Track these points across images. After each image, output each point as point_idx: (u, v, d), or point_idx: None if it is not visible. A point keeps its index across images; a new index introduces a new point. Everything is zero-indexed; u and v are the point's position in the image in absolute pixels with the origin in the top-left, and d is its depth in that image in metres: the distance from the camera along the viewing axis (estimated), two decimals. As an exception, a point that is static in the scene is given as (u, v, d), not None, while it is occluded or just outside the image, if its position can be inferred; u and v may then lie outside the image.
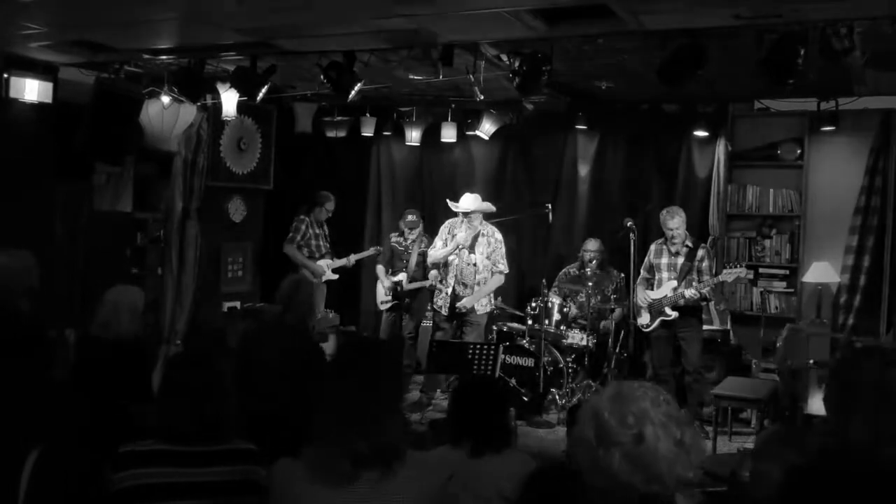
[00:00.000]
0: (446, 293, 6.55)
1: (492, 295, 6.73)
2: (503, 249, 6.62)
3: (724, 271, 6.11)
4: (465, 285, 6.55)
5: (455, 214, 6.69)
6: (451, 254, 6.53)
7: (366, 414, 1.94)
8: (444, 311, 6.57)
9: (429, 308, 7.14)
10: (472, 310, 6.53)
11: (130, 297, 4.06)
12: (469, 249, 6.55)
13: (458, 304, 6.48)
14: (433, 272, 6.75)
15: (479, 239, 6.55)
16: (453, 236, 6.59)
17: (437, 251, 6.65)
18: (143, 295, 4.14)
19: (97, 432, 3.08)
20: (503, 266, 6.61)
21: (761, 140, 7.13)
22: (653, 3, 3.88)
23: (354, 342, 2.22)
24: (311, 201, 7.68)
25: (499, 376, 5.95)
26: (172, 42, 5.24)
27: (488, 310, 6.72)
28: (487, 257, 6.55)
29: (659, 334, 6.37)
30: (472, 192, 7.21)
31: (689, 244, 6.28)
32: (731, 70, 5.40)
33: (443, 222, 6.87)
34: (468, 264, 6.54)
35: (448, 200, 6.84)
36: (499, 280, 6.63)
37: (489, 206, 6.63)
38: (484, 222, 6.61)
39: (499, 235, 6.62)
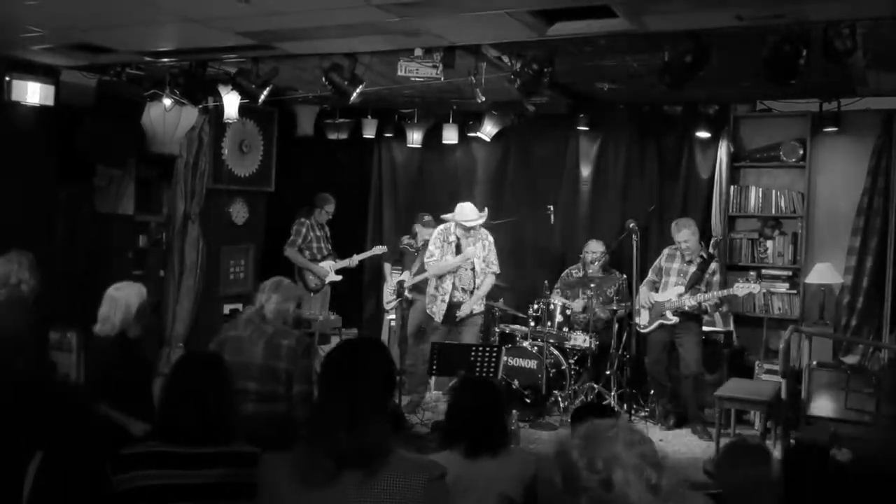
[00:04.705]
0: (442, 300, 6.53)
1: (483, 298, 6.71)
2: (495, 251, 6.66)
3: (737, 285, 6.06)
4: (464, 290, 6.56)
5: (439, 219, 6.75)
6: (458, 266, 6.48)
7: (349, 414, 1.94)
8: (438, 318, 6.53)
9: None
10: (470, 313, 6.55)
11: (126, 293, 4.05)
12: None
13: (458, 314, 6.48)
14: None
15: (476, 244, 6.56)
16: (449, 243, 6.56)
17: (441, 263, 6.53)
18: (142, 291, 4.11)
19: (98, 432, 3.08)
20: (496, 267, 6.64)
21: (763, 141, 7.12)
22: (655, 4, 3.87)
23: (342, 344, 2.20)
24: (311, 203, 7.69)
25: (501, 378, 5.96)
26: (174, 44, 5.24)
27: (482, 309, 6.72)
28: (483, 260, 6.58)
29: (655, 337, 6.36)
30: (471, 194, 7.16)
31: (704, 255, 6.26)
32: (734, 71, 5.39)
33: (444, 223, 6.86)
34: (467, 270, 6.55)
35: (444, 216, 6.74)
36: (491, 281, 6.66)
37: (486, 214, 6.62)
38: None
39: (491, 237, 6.65)
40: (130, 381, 3.85)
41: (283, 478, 1.99)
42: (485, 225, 6.59)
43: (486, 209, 6.66)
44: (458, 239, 6.52)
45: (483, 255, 6.56)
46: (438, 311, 6.54)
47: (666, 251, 6.46)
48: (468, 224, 6.42)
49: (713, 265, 6.23)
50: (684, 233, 6.20)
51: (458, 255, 6.50)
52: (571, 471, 1.53)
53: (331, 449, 1.92)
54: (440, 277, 6.56)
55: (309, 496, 1.94)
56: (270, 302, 3.92)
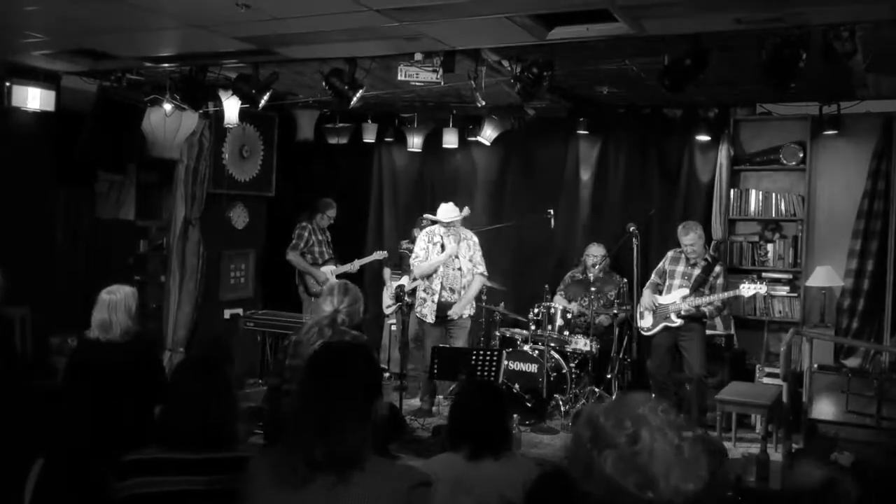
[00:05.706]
0: (432, 301, 6.56)
1: (473, 302, 6.73)
2: (480, 251, 6.69)
3: (743, 286, 6.03)
4: (452, 290, 6.58)
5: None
6: (442, 264, 6.53)
7: (324, 420, 1.95)
8: (430, 319, 6.56)
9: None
10: (461, 316, 6.58)
11: (122, 295, 4.06)
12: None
13: (449, 313, 6.51)
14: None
15: (461, 243, 6.60)
16: (434, 244, 6.60)
17: (425, 263, 6.59)
18: (133, 290, 4.14)
19: (100, 439, 3.07)
20: (482, 268, 6.67)
21: (764, 144, 7.12)
22: (654, 8, 3.87)
23: (324, 349, 2.21)
24: (312, 208, 7.69)
25: (502, 382, 5.95)
26: (174, 50, 5.25)
27: (472, 313, 6.75)
28: (470, 260, 6.61)
29: (659, 341, 6.34)
30: (472, 198, 7.14)
31: (708, 258, 6.25)
32: (733, 74, 5.39)
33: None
34: (454, 269, 6.58)
35: (426, 215, 6.90)
36: (480, 282, 6.70)
37: (467, 212, 6.70)
38: (461, 227, 6.68)
39: (475, 238, 6.70)
40: (152, 378, 3.91)
41: (262, 479, 2.01)
42: (485, 229, 6.60)
43: (466, 208, 6.74)
44: (441, 239, 6.57)
45: (469, 254, 6.61)
46: (430, 311, 6.57)
47: (670, 254, 6.45)
48: (446, 220, 6.50)
49: (717, 268, 6.22)
50: (691, 236, 6.19)
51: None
52: (598, 431, 1.54)
53: (305, 453, 1.93)
54: (428, 278, 6.59)
55: (282, 498, 1.95)
56: (343, 304, 3.91)
